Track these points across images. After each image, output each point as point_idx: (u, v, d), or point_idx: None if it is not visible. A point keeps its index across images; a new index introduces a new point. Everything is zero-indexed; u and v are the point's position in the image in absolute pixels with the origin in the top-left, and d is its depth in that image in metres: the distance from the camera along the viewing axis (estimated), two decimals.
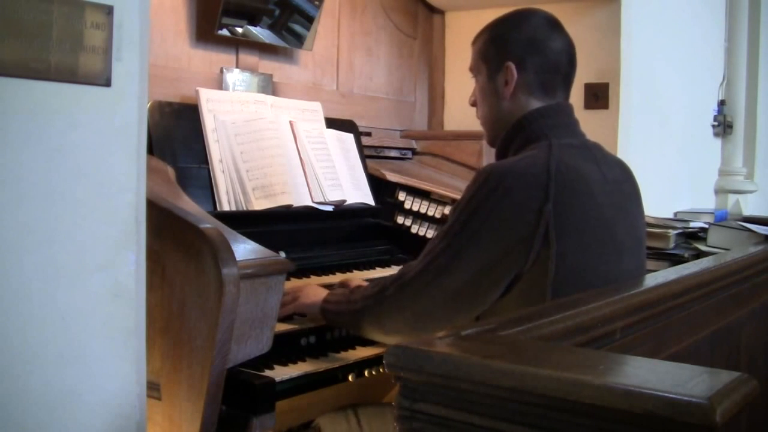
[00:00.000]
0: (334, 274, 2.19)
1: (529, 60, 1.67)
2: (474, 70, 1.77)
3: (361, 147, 2.58)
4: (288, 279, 1.96)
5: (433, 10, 3.28)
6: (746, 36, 4.37)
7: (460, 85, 3.18)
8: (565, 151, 1.57)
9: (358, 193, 2.43)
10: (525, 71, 1.67)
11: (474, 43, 1.78)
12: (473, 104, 1.80)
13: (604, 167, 1.64)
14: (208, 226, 1.52)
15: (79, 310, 1.27)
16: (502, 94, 1.69)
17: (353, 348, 1.85)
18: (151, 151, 1.91)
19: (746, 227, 2.83)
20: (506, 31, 1.71)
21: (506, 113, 1.70)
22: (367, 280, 2.14)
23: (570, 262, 1.49)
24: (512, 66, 1.67)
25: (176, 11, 2.29)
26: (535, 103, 1.67)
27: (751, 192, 4.40)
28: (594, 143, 1.71)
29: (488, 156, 2.84)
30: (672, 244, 2.79)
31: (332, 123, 2.51)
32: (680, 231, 2.86)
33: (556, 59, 1.68)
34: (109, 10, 1.28)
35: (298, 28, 2.56)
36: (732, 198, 4.36)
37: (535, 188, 1.50)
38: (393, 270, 2.31)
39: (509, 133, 1.68)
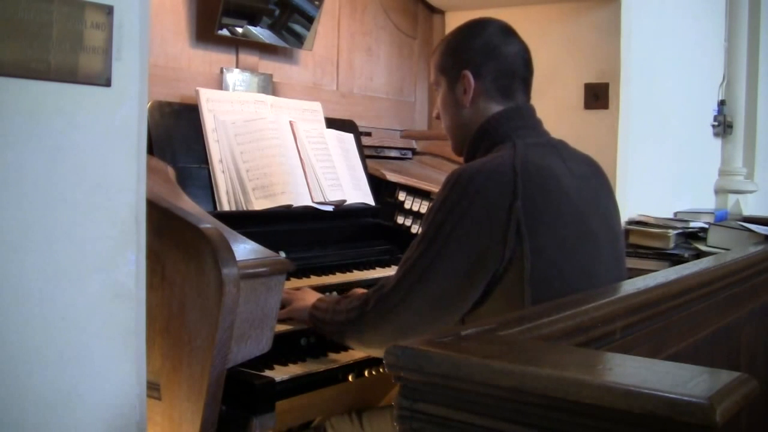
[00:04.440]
0: (333, 274, 2.19)
1: (485, 66, 1.70)
2: (435, 83, 1.80)
3: (361, 147, 2.58)
4: (288, 279, 1.96)
5: (433, 10, 3.28)
6: (746, 36, 4.37)
7: None
8: (529, 150, 1.60)
9: (358, 193, 2.43)
10: (482, 78, 1.70)
11: (432, 56, 1.82)
12: (437, 116, 1.83)
13: (570, 163, 1.66)
14: (208, 226, 1.52)
15: (79, 310, 1.27)
16: (462, 102, 1.72)
17: (353, 348, 1.85)
18: (151, 151, 1.90)
19: (746, 227, 2.84)
20: (461, 41, 1.74)
21: (468, 120, 1.73)
22: (367, 281, 2.15)
23: (546, 256, 1.50)
24: (469, 74, 1.70)
25: (176, 11, 2.29)
26: (496, 108, 1.70)
27: (751, 192, 4.39)
28: (559, 141, 1.73)
29: None
30: (672, 244, 2.79)
31: (332, 123, 2.51)
32: (680, 231, 2.86)
33: (511, 63, 1.71)
34: (109, 10, 1.28)
35: (298, 28, 2.56)
36: (732, 198, 4.36)
37: (503, 186, 1.51)
38: (393, 270, 2.30)
39: (474, 138, 1.71)
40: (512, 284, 1.50)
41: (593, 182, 1.71)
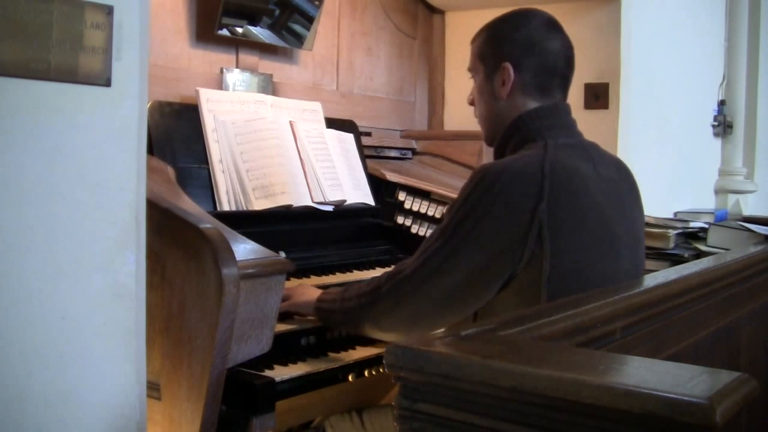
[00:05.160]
0: (334, 274, 2.19)
1: (526, 61, 1.67)
2: (472, 69, 1.77)
3: (361, 147, 2.58)
4: (288, 279, 1.96)
5: (433, 10, 3.28)
6: (746, 36, 4.37)
7: (460, 85, 3.18)
8: (560, 151, 1.58)
9: (358, 193, 2.43)
10: (522, 72, 1.67)
11: (473, 42, 1.78)
12: (471, 103, 1.81)
13: (600, 166, 1.64)
14: (208, 226, 1.52)
15: (79, 310, 1.27)
16: (499, 94, 1.70)
17: (353, 348, 1.85)
18: (151, 151, 1.90)
19: (746, 227, 2.83)
20: (504, 32, 1.71)
21: (503, 113, 1.70)
22: (366, 281, 2.15)
23: (566, 260, 1.49)
24: (509, 66, 1.67)
25: (176, 11, 2.29)
26: (532, 104, 1.68)
27: (751, 192, 4.40)
28: (591, 143, 1.72)
29: (488, 156, 2.84)
30: (672, 244, 2.79)
31: (332, 123, 2.51)
32: (680, 231, 2.86)
33: (553, 60, 1.68)
34: (109, 10, 1.28)
35: (298, 28, 2.56)
36: (732, 198, 4.36)
37: (529, 187, 1.50)
38: None
39: (506, 132, 1.69)
40: (528, 283, 1.50)
41: (621, 186, 1.70)
